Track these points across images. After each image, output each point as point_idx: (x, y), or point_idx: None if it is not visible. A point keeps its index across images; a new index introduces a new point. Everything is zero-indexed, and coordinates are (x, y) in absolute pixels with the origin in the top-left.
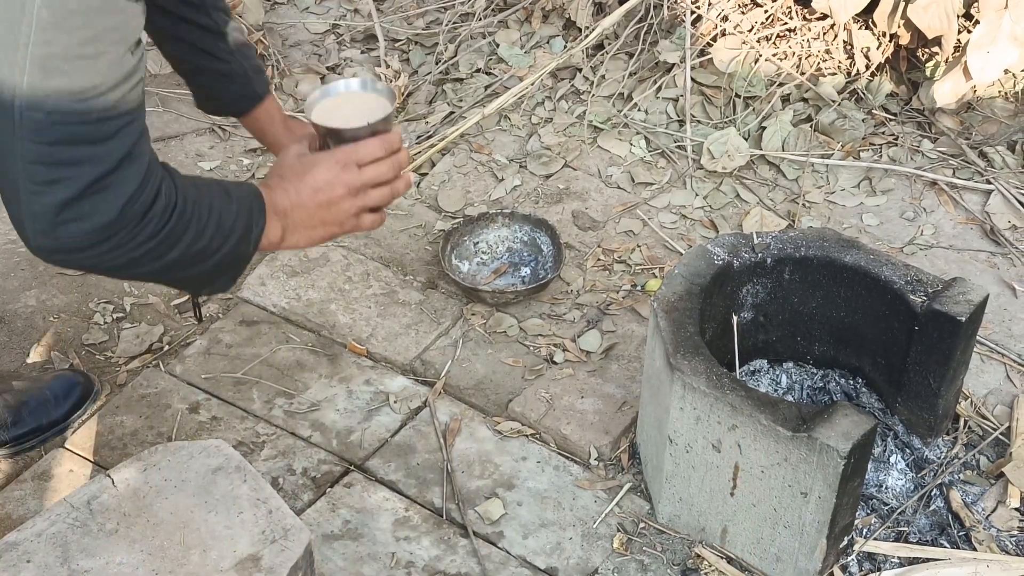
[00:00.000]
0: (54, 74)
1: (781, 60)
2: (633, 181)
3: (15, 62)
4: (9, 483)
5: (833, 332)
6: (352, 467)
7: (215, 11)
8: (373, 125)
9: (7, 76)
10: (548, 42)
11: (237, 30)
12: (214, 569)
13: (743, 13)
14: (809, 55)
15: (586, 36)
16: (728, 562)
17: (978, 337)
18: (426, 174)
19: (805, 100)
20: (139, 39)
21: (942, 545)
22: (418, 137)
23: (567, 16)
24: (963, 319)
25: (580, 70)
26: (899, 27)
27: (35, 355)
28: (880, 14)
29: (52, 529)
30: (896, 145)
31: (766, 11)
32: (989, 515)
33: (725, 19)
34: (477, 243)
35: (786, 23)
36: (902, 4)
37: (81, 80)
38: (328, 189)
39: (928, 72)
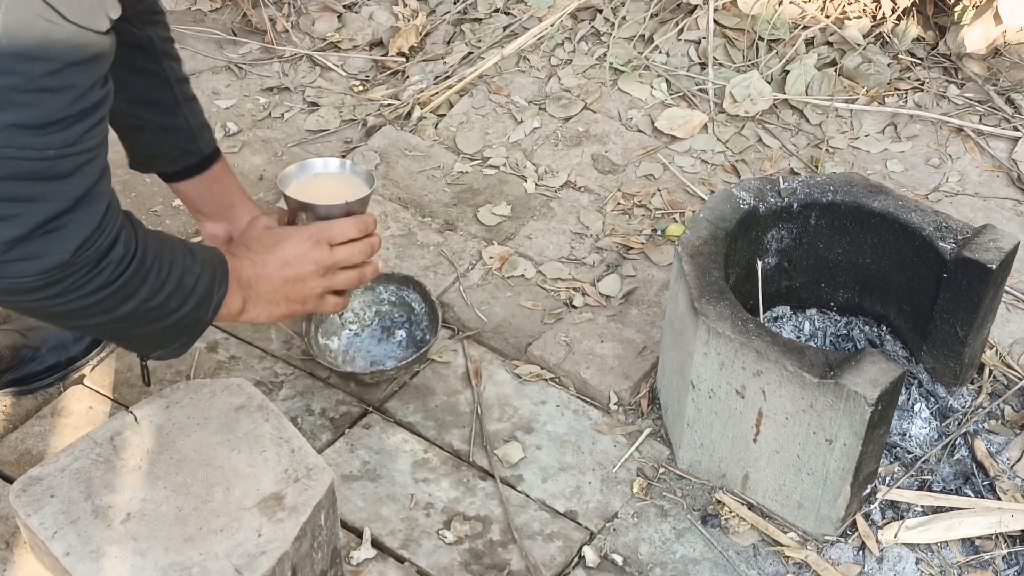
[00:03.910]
0: (10, 106)
1: (806, 3)
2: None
3: None
4: (29, 419)
5: (858, 279)
6: (370, 408)
7: (167, 59)
8: (350, 204)
9: None
10: None
11: (186, 82)
12: (238, 507)
13: None
14: None
15: None
16: (749, 508)
17: (1005, 286)
18: (444, 115)
19: (829, 44)
20: (106, 74)
21: (966, 494)
22: (436, 78)
23: None
24: (993, 267)
25: (600, 11)
26: None
27: None
28: None
29: (76, 464)
30: (922, 90)
31: None
32: (1014, 465)
33: None
34: (342, 314)
35: None
36: None
37: (41, 113)
38: (297, 265)
39: (956, 16)
